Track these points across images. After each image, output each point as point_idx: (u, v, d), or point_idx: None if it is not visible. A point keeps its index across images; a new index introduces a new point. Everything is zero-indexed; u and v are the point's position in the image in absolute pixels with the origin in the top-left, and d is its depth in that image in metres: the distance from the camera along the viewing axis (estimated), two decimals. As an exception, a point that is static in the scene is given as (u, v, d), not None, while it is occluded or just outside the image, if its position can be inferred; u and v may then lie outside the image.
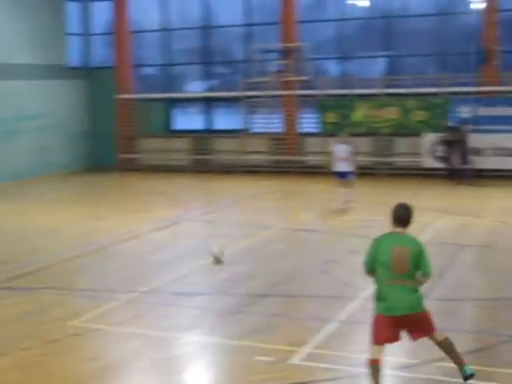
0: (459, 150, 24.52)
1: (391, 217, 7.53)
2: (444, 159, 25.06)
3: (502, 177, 24.78)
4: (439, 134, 25.14)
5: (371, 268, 7.45)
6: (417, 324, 7.38)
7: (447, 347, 7.52)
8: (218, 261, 13.03)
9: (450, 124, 25.08)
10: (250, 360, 8.34)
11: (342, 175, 18.98)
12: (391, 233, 7.56)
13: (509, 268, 12.78)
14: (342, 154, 18.93)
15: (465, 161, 24.20)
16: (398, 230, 7.55)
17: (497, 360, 8.30)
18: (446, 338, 7.54)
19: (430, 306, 10.36)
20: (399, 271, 7.20)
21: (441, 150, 25.13)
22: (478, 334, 9.28)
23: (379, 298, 7.32)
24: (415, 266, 7.28)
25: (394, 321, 7.21)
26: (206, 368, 8.40)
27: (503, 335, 9.08)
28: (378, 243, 7.49)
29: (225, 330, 9.56)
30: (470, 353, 8.48)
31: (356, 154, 19.74)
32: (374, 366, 7.18)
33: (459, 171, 24.45)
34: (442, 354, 8.25)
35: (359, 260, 13.51)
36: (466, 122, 24.55)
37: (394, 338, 7.35)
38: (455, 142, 24.59)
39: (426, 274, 7.36)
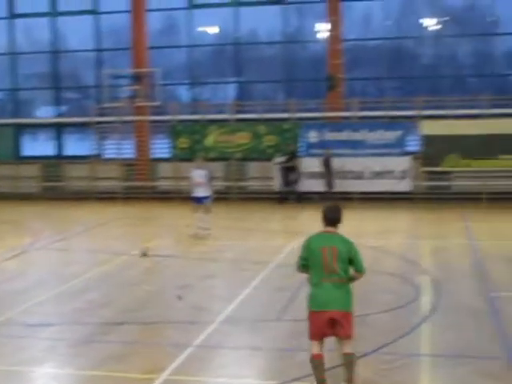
0: (294, 174, 25.48)
1: (322, 217, 7.93)
2: (286, 183, 25.87)
3: (350, 199, 25.71)
4: (278, 160, 25.92)
5: (303, 266, 7.83)
6: (343, 322, 7.63)
7: (348, 362, 7.67)
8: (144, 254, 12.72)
9: (289, 150, 25.92)
10: (106, 390, 8.19)
11: (199, 200, 18.91)
12: (322, 232, 7.96)
13: (357, 287, 13.16)
14: (198, 178, 18.82)
15: (329, 185, 24.95)
16: (329, 229, 7.97)
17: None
18: (354, 355, 7.77)
19: (284, 327, 10.62)
20: (330, 270, 7.58)
21: (281, 175, 25.98)
22: (331, 352, 9.52)
23: (311, 295, 7.66)
24: (345, 264, 7.67)
25: (324, 316, 7.50)
26: (61, 401, 8.17)
27: (355, 352, 9.37)
28: (308, 243, 7.84)
29: (78, 360, 9.33)
30: (326, 370, 8.70)
31: (213, 178, 19.73)
32: (315, 361, 7.52)
33: (291, 194, 25.53)
34: (299, 374, 8.45)
35: (215, 284, 13.68)
36: (328, 146, 25.35)
37: (328, 332, 7.61)
38: (291, 168, 25.53)
39: (360, 270, 7.80)
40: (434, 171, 25.86)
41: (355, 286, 13.17)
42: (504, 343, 9.65)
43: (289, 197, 25.92)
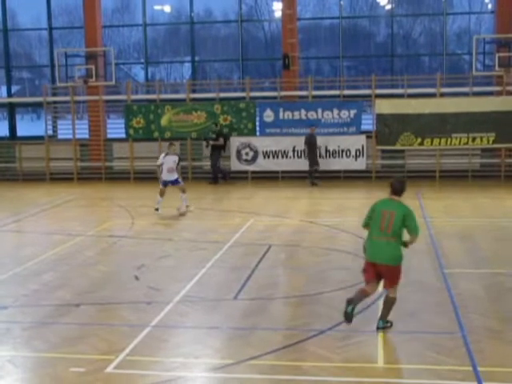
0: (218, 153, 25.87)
1: (390, 186, 9.47)
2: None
3: (305, 177, 25.85)
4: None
5: (366, 223, 9.69)
6: (389, 275, 9.34)
7: (389, 303, 9.45)
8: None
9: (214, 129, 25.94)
10: (63, 372, 8.17)
11: (171, 183, 19.44)
12: (388, 199, 9.55)
13: (312, 265, 13.36)
14: (171, 164, 19.32)
15: (314, 162, 24.92)
16: (393, 197, 9.51)
17: (307, 354, 8.66)
18: (395, 299, 9.44)
19: (241, 306, 10.68)
20: (384, 230, 9.27)
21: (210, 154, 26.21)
22: (288, 330, 9.63)
23: (367, 248, 9.53)
24: (400, 228, 9.27)
25: (374, 267, 9.35)
26: (19, 383, 8.12)
27: (311, 330, 9.49)
28: (374, 205, 9.63)
29: (35, 342, 9.28)
30: (281, 349, 8.80)
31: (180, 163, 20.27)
32: (363, 295, 9.49)
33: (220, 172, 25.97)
34: (255, 353, 8.54)
35: (171, 264, 13.68)
36: (313, 124, 25.27)
37: (377, 279, 9.46)
38: (219, 146, 25.63)
39: (413, 232, 9.39)
40: (388, 150, 26.09)
41: (310, 265, 13.34)
42: (457, 319, 9.84)
43: (219, 176, 26.01)
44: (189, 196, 19.75)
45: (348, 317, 9.30)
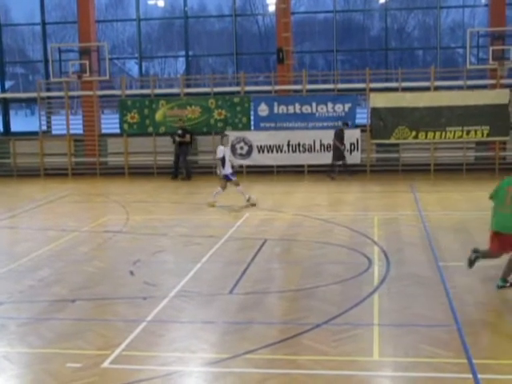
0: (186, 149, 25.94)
1: None
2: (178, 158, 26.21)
3: (301, 172, 25.89)
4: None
5: (491, 196, 10.95)
6: None
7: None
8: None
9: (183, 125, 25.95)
10: (59, 368, 8.17)
11: (231, 177, 19.60)
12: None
13: (307, 259, 13.38)
14: (231, 157, 19.59)
15: (341, 157, 24.86)
16: None
17: (302, 348, 8.67)
18: None
19: (236, 300, 10.69)
20: (508, 203, 10.53)
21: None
22: (283, 324, 9.64)
23: (492, 217, 10.74)
24: None
25: (499, 236, 10.60)
26: (14, 379, 8.11)
27: (306, 324, 9.51)
28: (502, 181, 10.85)
29: (30, 338, 9.27)
30: (276, 343, 8.81)
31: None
32: (490, 255, 11.01)
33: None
34: (251, 347, 8.55)
35: (166, 259, 13.67)
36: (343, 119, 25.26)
37: (502, 249, 10.70)
38: (185, 143, 25.62)
39: None
40: (383, 143, 26.11)
41: (305, 259, 13.36)
42: (452, 311, 9.86)
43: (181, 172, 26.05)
44: (206, 191, 19.70)
45: (470, 263, 11.09)
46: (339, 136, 24.79)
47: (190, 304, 10.65)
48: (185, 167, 25.99)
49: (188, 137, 25.81)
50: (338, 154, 24.85)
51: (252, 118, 26.41)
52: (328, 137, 25.55)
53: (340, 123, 25.07)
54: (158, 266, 13.13)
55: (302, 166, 26.12)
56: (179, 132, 25.75)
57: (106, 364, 8.24)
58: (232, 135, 26.26)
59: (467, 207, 18.64)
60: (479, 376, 7.63)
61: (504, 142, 25.82)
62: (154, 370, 8.07)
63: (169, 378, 7.90)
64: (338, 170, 24.97)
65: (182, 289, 11.38)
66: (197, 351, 8.59)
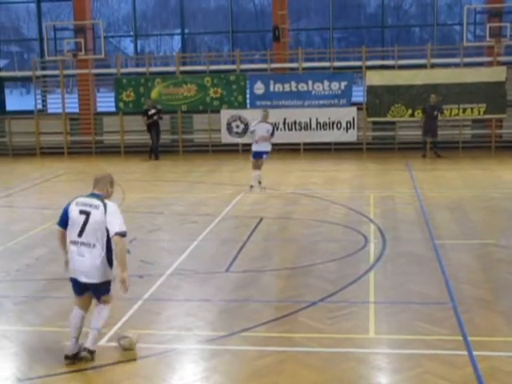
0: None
1: None
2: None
3: (297, 150, 25.87)
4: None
5: None
6: None
7: None
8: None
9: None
10: (59, 346, 8.18)
11: (259, 155, 18.24)
12: None
13: (303, 237, 13.41)
14: (264, 133, 18.10)
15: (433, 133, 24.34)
16: None
17: (299, 326, 8.71)
18: None
19: (233, 278, 10.72)
20: None
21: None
22: (279, 302, 9.68)
23: None
24: None
25: None
26: (12, 357, 8.14)
27: (303, 302, 9.54)
28: None
29: (28, 316, 9.30)
30: (273, 320, 8.85)
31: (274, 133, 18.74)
32: None
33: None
34: (247, 325, 8.60)
35: (163, 237, 13.68)
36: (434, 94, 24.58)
37: None
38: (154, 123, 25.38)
39: None
40: (379, 121, 26.08)
41: (301, 237, 13.38)
42: (448, 289, 9.90)
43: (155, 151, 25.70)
44: (202, 170, 19.60)
45: None
46: (426, 111, 24.27)
47: (186, 282, 10.68)
48: (156, 147, 25.68)
49: (161, 115, 25.58)
50: (424, 128, 24.40)
51: (248, 96, 26.33)
52: (324, 115, 25.51)
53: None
54: (155, 244, 13.15)
55: (298, 144, 26.10)
56: (153, 111, 25.47)
57: (102, 342, 8.27)
58: (228, 113, 26.23)
59: (463, 185, 18.66)
60: (474, 353, 7.67)
61: (500, 120, 25.81)
62: (150, 347, 8.10)
63: (165, 355, 7.93)
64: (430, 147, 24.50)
65: (178, 267, 11.40)
66: (193, 329, 8.63)
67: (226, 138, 26.41)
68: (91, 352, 7.72)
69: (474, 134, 26.37)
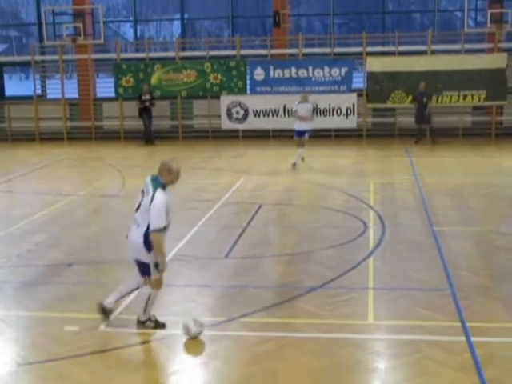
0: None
1: None
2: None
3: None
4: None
5: None
6: None
7: None
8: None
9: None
10: (57, 331, 8.23)
11: (300, 134, 19.61)
12: None
13: (303, 223, 13.42)
14: (304, 112, 19.42)
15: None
16: None
17: (298, 311, 8.74)
18: None
19: (232, 264, 10.73)
20: None
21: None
22: (279, 288, 9.70)
23: None
24: None
25: None
26: (12, 342, 8.17)
27: (302, 288, 9.57)
28: None
29: (27, 302, 9.33)
30: (272, 306, 8.88)
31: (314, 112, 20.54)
32: None
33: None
34: (247, 310, 8.63)
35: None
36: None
37: None
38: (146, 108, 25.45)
39: None
40: (379, 108, 26.04)
41: (301, 223, 13.40)
42: (447, 276, 9.93)
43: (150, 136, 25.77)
44: (202, 156, 19.67)
45: None
46: (416, 98, 24.46)
47: (186, 268, 10.70)
48: (150, 131, 25.72)
49: (153, 101, 25.64)
50: (415, 116, 24.62)
51: (248, 82, 26.28)
52: (324, 101, 25.46)
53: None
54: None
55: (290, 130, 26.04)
56: (147, 97, 25.47)
57: (102, 327, 8.30)
58: (228, 99, 26.19)
59: (463, 172, 18.67)
60: (472, 339, 7.71)
61: (501, 107, 25.77)
62: (150, 333, 8.13)
63: (165, 341, 7.97)
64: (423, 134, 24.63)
65: (178, 252, 11.42)
66: (192, 314, 8.64)
67: (225, 123, 26.38)
68: (106, 309, 8.24)
69: (475, 120, 26.34)
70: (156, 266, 7.84)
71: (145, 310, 8.16)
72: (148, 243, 7.84)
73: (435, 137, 24.13)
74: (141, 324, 8.19)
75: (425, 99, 24.08)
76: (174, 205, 8.10)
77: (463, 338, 7.75)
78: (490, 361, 7.21)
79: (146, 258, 7.92)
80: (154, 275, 7.98)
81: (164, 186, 8.02)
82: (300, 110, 19.50)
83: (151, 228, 7.74)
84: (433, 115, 24.55)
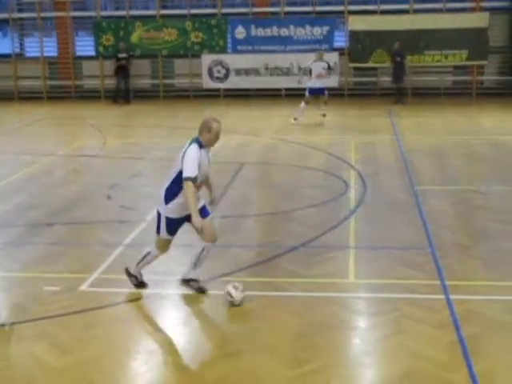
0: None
1: None
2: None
3: (278, 96, 25.74)
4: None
5: None
6: None
7: None
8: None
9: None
10: (37, 291, 8.21)
11: (317, 91, 20.20)
12: None
13: (284, 183, 13.42)
14: (320, 70, 20.01)
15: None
16: None
17: (280, 270, 8.77)
18: None
19: (213, 223, 10.71)
20: None
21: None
22: (260, 247, 9.73)
23: None
24: None
25: None
26: (-8, 302, 8.17)
27: (283, 247, 9.59)
28: None
29: (8, 262, 9.29)
30: (253, 265, 8.91)
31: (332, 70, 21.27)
32: None
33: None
34: (228, 269, 8.65)
35: (143, 183, 13.65)
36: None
37: None
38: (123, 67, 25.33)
39: None
40: (361, 67, 25.93)
41: (282, 183, 13.40)
42: (427, 234, 9.99)
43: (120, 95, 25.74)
44: (183, 115, 19.55)
45: None
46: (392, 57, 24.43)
47: (167, 228, 10.66)
48: (126, 90, 25.58)
49: (130, 60, 25.47)
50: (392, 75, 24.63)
51: (229, 40, 26.06)
52: (306, 60, 25.29)
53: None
54: (136, 189, 13.12)
55: (280, 89, 25.95)
56: (123, 55, 25.25)
57: (83, 287, 8.30)
58: (209, 58, 25.98)
59: (444, 132, 18.70)
60: (451, 297, 7.78)
61: (482, 67, 25.75)
62: (131, 292, 8.14)
63: (146, 300, 7.98)
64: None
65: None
66: (174, 274, 8.65)
67: (207, 83, 26.19)
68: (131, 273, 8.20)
69: (456, 80, 26.32)
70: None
71: (195, 266, 8.07)
72: (168, 195, 7.88)
73: (402, 97, 24.09)
74: (185, 283, 8.11)
75: (399, 59, 24.02)
76: (207, 167, 8.00)
77: (442, 296, 7.82)
78: (468, 318, 7.28)
79: (162, 208, 7.93)
80: (164, 235, 7.99)
81: (200, 144, 7.89)
82: (316, 68, 20.09)
83: (183, 176, 7.67)
84: (410, 75, 24.49)
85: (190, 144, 7.86)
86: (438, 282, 8.21)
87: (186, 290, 8.09)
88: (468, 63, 25.25)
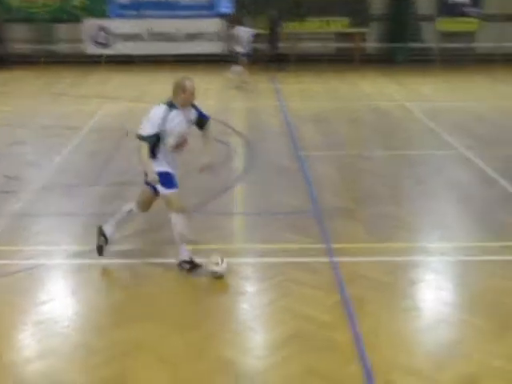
0: None
1: None
2: None
3: (163, 62, 25.51)
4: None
5: None
6: None
7: None
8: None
9: None
10: None
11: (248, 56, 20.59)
12: None
13: (173, 150, 13.35)
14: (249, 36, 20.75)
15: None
16: None
17: (165, 238, 8.75)
18: None
19: (99, 192, 10.62)
20: None
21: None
22: (146, 215, 9.67)
23: None
24: None
25: None
26: None
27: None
28: None
29: None
30: (139, 233, 8.89)
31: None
32: None
33: None
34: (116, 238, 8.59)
35: (26, 151, 13.32)
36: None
37: None
38: None
39: None
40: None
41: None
42: (312, 199, 10.22)
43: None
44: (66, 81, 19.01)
45: None
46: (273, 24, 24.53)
47: (53, 197, 10.50)
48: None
49: None
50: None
51: (112, 5, 25.55)
52: (191, 26, 25.17)
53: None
54: (18, 158, 12.78)
55: (164, 55, 25.70)
56: None
57: (-34, 259, 8.10)
58: (92, 24, 25.41)
59: (327, 98, 19.05)
60: (335, 259, 8.02)
61: (364, 34, 26.29)
62: (18, 263, 7.98)
63: (34, 271, 7.85)
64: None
65: (44, 181, 11.17)
66: (61, 244, 8.55)
67: (90, 48, 25.65)
68: None
69: (339, 47, 26.77)
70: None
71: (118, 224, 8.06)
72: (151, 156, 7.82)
73: (281, 63, 24.44)
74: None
75: (274, 25, 24.30)
76: (184, 129, 8.20)
77: (326, 259, 8.06)
78: (352, 279, 7.54)
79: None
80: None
81: (172, 105, 7.75)
82: (242, 34, 20.59)
83: (136, 134, 7.61)
84: (292, 41, 24.81)
85: (157, 105, 7.77)
86: (322, 246, 8.44)
87: (75, 260, 8.01)
88: (349, 30, 25.73)
